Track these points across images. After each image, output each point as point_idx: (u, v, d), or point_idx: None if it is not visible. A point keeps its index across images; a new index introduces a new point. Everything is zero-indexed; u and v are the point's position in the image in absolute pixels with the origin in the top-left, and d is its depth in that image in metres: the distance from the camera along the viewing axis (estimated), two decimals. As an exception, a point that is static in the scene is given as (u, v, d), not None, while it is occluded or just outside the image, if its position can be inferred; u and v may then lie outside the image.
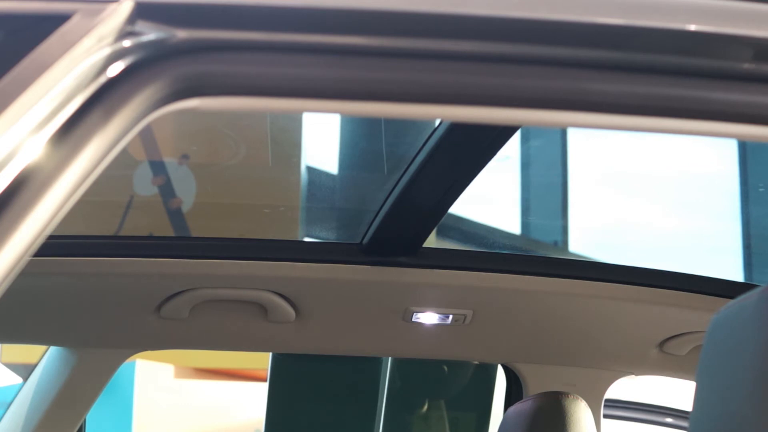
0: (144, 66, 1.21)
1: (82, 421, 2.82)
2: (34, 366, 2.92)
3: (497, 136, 2.14)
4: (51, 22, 1.21)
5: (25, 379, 2.94)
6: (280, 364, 3.21)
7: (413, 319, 2.71)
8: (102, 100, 1.18)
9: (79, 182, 1.16)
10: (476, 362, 3.29)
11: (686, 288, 2.70)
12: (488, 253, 2.71)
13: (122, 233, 2.88)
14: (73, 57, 1.18)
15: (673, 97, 1.29)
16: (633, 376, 3.15)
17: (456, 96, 1.27)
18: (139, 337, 2.76)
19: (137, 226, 2.98)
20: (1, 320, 2.64)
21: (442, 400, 3.39)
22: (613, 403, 3.90)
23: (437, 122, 2.19)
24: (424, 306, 2.68)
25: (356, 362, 3.29)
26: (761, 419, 1.26)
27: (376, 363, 3.31)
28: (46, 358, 2.87)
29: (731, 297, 1.33)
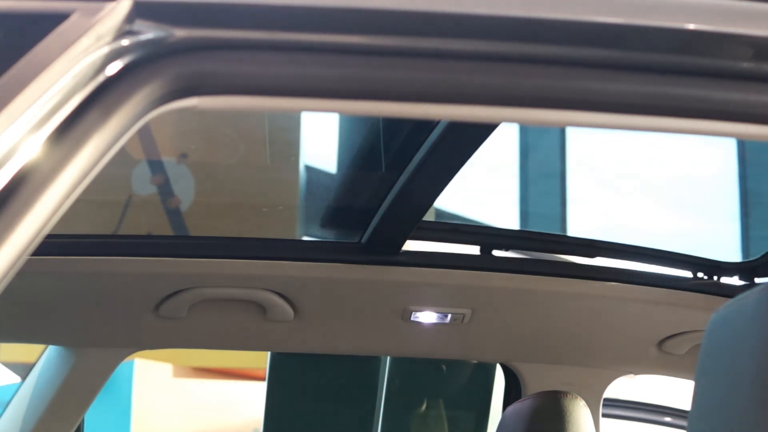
0: (142, 65, 1.21)
1: (80, 420, 2.82)
2: (33, 365, 2.92)
3: (488, 131, 2.14)
4: (49, 20, 1.21)
5: (24, 378, 2.94)
6: (278, 363, 3.21)
7: (412, 318, 2.71)
8: (100, 99, 1.18)
9: (78, 181, 1.16)
10: (475, 361, 3.29)
11: (685, 287, 2.70)
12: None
13: (121, 232, 2.88)
14: (72, 56, 1.18)
15: (673, 96, 1.29)
16: (632, 375, 3.16)
17: (456, 95, 1.27)
18: (137, 336, 2.76)
19: (136, 225, 2.98)
20: (-1, 319, 2.64)
21: (441, 400, 3.39)
22: (611, 403, 3.90)
23: (436, 120, 2.19)
24: (423, 305, 2.68)
25: (355, 361, 3.29)
26: (760, 417, 1.26)
27: (374, 362, 3.31)
28: (44, 357, 2.87)
29: (730, 296, 1.33)
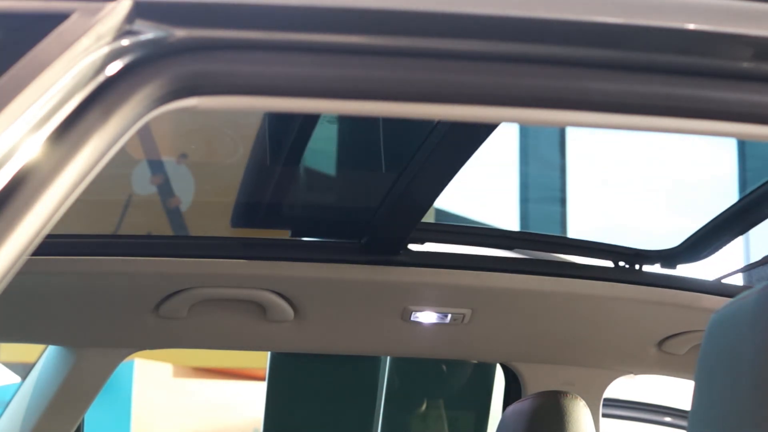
0: (142, 65, 1.21)
1: (80, 420, 2.82)
2: (33, 365, 2.92)
3: (488, 131, 2.14)
4: (49, 20, 1.21)
5: (24, 378, 2.94)
6: (278, 363, 3.21)
7: (412, 318, 2.71)
8: (100, 99, 1.18)
9: (78, 181, 1.16)
10: (475, 361, 3.29)
11: (685, 287, 2.70)
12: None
13: (120, 232, 2.88)
14: (72, 56, 1.18)
15: (673, 96, 1.29)
16: (632, 375, 3.16)
17: (455, 95, 1.27)
18: (137, 336, 2.76)
19: (135, 225, 2.98)
20: (-1, 319, 2.64)
21: (441, 400, 3.39)
22: (611, 403, 3.90)
23: (436, 120, 2.19)
24: (423, 305, 2.68)
25: (355, 361, 3.29)
26: (760, 417, 1.26)
27: (374, 362, 3.31)
28: (44, 357, 2.87)
29: (730, 296, 1.34)
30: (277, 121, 2.46)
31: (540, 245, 2.74)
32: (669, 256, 2.71)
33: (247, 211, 2.72)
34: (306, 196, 2.79)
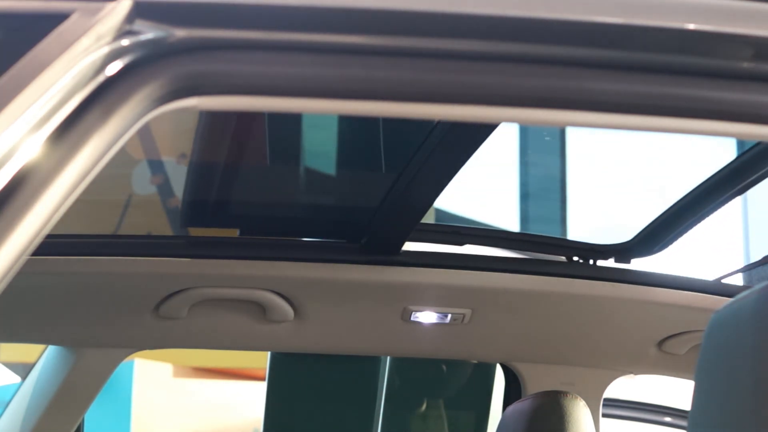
0: (142, 65, 1.21)
1: (80, 420, 2.82)
2: (33, 365, 2.92)
3: (488, 131, 2.14)
4: (49, 20, 1.21)
5: (24, 378, 2.94)
6: (278, 363, 3.21)
7: (412, 319, 2.71)
8: (100, 99, 1.18)
9: (78, 181, 1.16)
10: (475, 361, 3.29)
11: (685, 287, 2.70)
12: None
13: (120, 232, 2.88)
14: (72, 56, 1.18)
15: (673, 96, 1.29)
16: (632, 375, 3.16)
17: (456, 95, 1.27)
18: (137, 336, 2.76)
19: (135, 225, 2.98)
20: (-1, 319, 2.64)
21: (441, 400, 3.39)
22: (611, 403, 3.90)
23: (436, 120, 2.19)
24: (423, 305, 2.68)
25: (355, 361, 3.29)
26: (760, 417, 1.26)
27: (374, 362, 3.31)
28: (44, 357, 2.87)
29: (730, 296, 1.34)
30: (223, 119, 2.45)
31: (490, 240, 2.72)
32: (622, 251, 2.72)
33: (200, 209, 2.71)
34: (306, 196, 2.79)
